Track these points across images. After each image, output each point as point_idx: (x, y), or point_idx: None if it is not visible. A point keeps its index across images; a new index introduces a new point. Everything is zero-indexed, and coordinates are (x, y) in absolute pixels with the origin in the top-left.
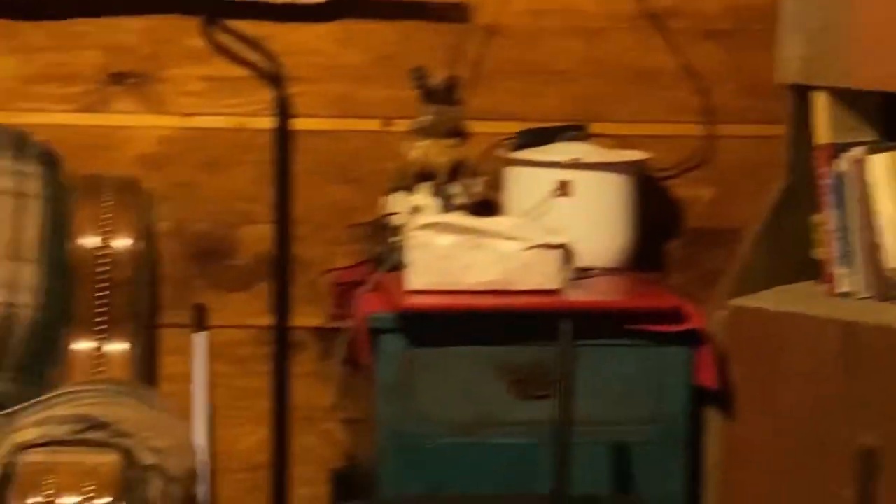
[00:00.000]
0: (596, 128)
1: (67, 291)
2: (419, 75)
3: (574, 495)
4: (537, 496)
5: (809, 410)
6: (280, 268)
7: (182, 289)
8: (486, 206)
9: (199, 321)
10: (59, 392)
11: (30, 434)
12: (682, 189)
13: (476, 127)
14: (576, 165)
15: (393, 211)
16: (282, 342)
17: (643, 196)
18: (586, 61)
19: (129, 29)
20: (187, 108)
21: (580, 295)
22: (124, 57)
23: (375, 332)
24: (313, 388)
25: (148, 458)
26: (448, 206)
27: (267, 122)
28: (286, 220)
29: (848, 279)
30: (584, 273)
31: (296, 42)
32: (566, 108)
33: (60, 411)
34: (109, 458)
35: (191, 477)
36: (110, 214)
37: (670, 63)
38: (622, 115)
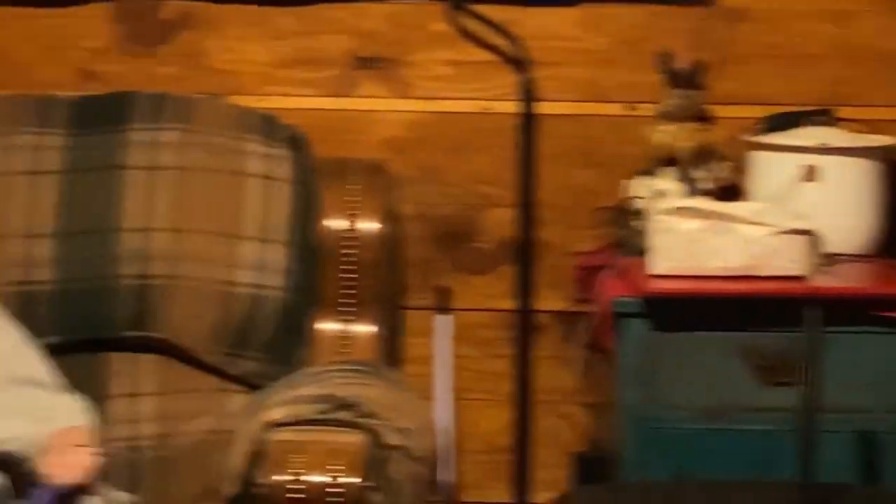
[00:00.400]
0: (844, 112)
1: (314, 273)
2: (665, 60)
3: (819, 484)
4: (782, 483)
5: None
6: (523, 251)
7: (426, 271)
8: (731, 191)
9: (443, 304)
10: (306, 372)
11: (278, 413)
12: None
13: (721, 111)
14: (823, 150)
15: (636, 195)
16: (524, 325)
17: (893, 182)
18: (835, 45)
19: (377, 14)
20: (432, 92)
21: (827, 281)
22: (371, 42)
23: (619, 317)
24: (555, 372)
25: (393, 439)
26: (692, 191)
27: (511, 107)
28: (530, 204)
29: None
30: (831, 259)
31: (540, 26)
32: (814, 93)
33: (308, 391)
34: (356, 438)
35: (434, 458)
36: (357, 197)
37: None
38: (872, 100)
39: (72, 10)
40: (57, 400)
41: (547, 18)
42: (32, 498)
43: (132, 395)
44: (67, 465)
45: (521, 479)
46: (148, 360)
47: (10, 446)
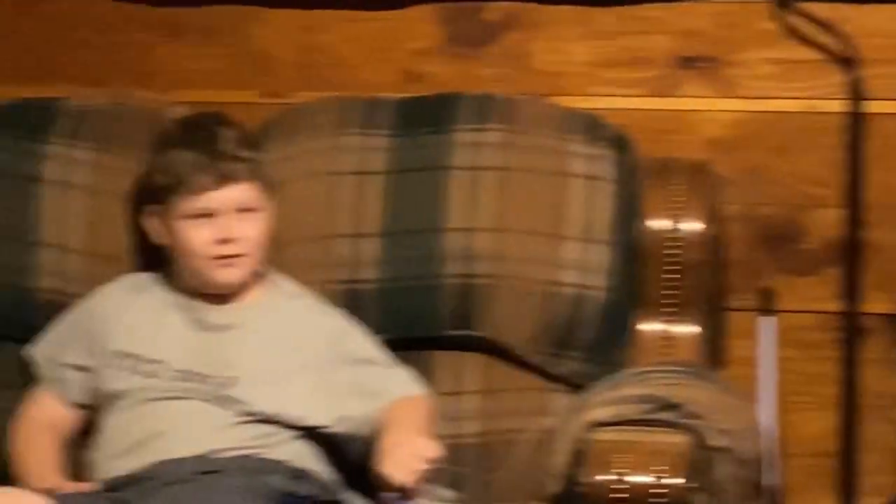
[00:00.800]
0: None
1: (637, 273)
2: None
3: None
4: None
5: None
6: (850, 252)
7: (749, 272)
8: None
9: (767, 305)
10: (629, 372)
11: (601, 413)
12: None
13: None
14: None
15: None
16: (851, 328)
17: None
18: None
19: (701, 13)
20: (757, 91)
21: None
22: (695, 41)
23: None
24: (883, 376)
25: (718, 441)
26: None
27: (838, 106)
28: (857, 205)
29: None
30: None
31: (870, 24)
32: None
33: (631, 391)
34: (680, 439)
35: (758, 461)
36: (680, 198)
37: None
38: None
39: (397, 12)
40: (391, 373)
41: (878, 16)
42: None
43: (455, 393)
44: (408, 467)
45: (847, 484)
46: (471, 359)
47: (345, 426)
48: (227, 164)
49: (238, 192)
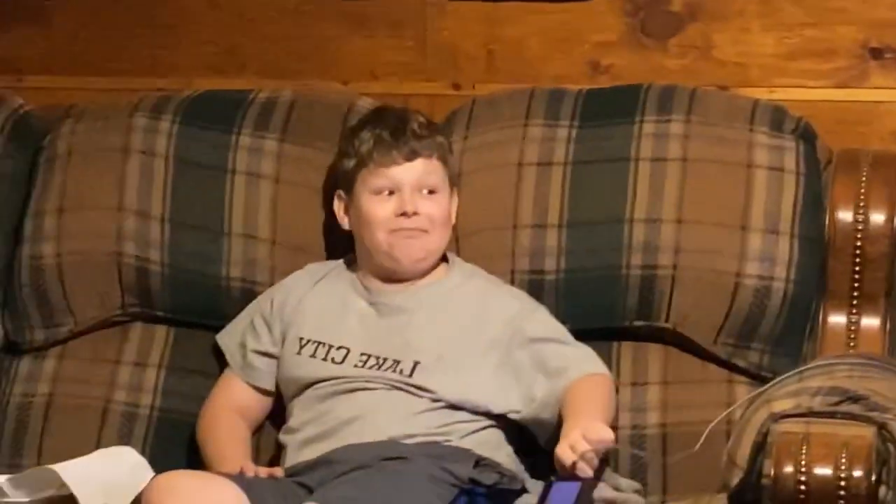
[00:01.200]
0: None
1: (822, 265)
2: None
3: None
4: None
5: None
6: None
7: None
8: None
9: None
10: (813, 364)
11: (785, 404)
12: None
13: None
14: None
15: None
16: None
17: None
18: None
19: (890, 4)
20: None
21: None
22: (883, 32)
23: None
24: None
25: None
26: None
27: None
28: None
29: None
30: None
31: None
32: None
33: (815, 383)
34: (864, 432)
35: None
36: (867, 189)
37: None
38: None
39: (582, 4)
40: (572, 350)
41: None
42: (551, 491)
43: (638, 383)
44: (582, 451)
45: None
46: (653, 350)
47: (530, 409)
48: (415, 141)
49: (423, 169)
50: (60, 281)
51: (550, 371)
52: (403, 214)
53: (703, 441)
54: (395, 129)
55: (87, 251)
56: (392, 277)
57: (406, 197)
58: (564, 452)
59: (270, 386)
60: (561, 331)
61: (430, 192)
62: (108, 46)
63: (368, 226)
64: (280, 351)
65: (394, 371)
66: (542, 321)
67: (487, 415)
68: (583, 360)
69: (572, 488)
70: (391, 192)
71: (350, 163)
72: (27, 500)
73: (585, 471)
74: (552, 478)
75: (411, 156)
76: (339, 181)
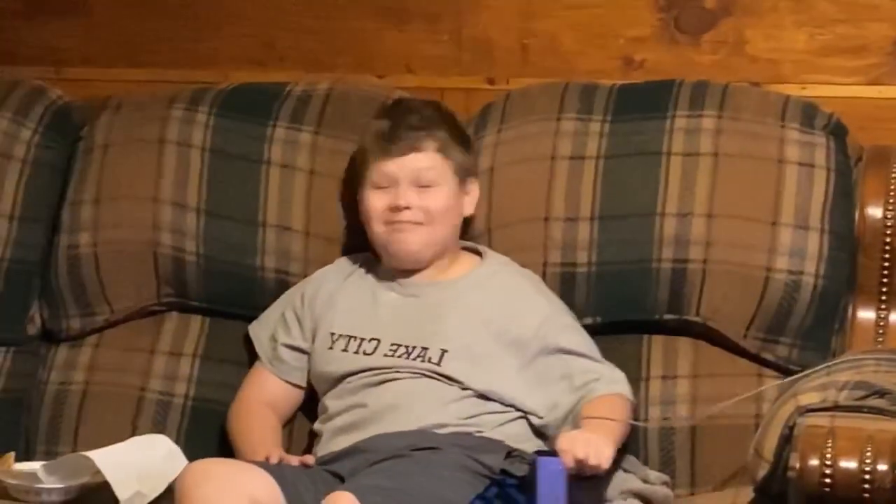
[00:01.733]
0: None
1: (852, 261)
2: None
3: None
4: None
5: None
6: None
7: None
8: None
9: None
10: (841, 359)
11: (812, 398)
12: None
13: None
14: None
15: None
16: None
17: None
18: None
19: None
20: None
21: None
22: None
23: None
24: None
25: None
26: None
27: None
28: None
29: None
30: None
31: None
32: None
33: (842, 377)
34: (890, 426)
35: None
36: None
37: None
38: None
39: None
40: (600, 368)
41: None
42: (539, 464)
43: (668, 377)
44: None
45: None
46: (683, 344)
47: (553, 416)
48: (411, 136)
49: (418, 163)
50: (97, 270)
51: (577, 384)
52: (396, 208)
53: (726, 434)
54: (393, 124)
55: (123, 241)
56: (406, 269)
57: (400, 191)
58: (562, 441)
59: (299, 380)
60: (590, 345)
61: (427, 185)
62: (147, 39)
63: (368, 219)
64: (311, 346)
65: (422, 359)
66: (573, 332)
67: (515, 408)
68: (610, 379)
69: (557, 464)
70: (390, 186)
71: (359, 157)
72: (62, 486)
73: (569, 462)
74: (534, 453)
75: (407, 150)
76: (356, 173)
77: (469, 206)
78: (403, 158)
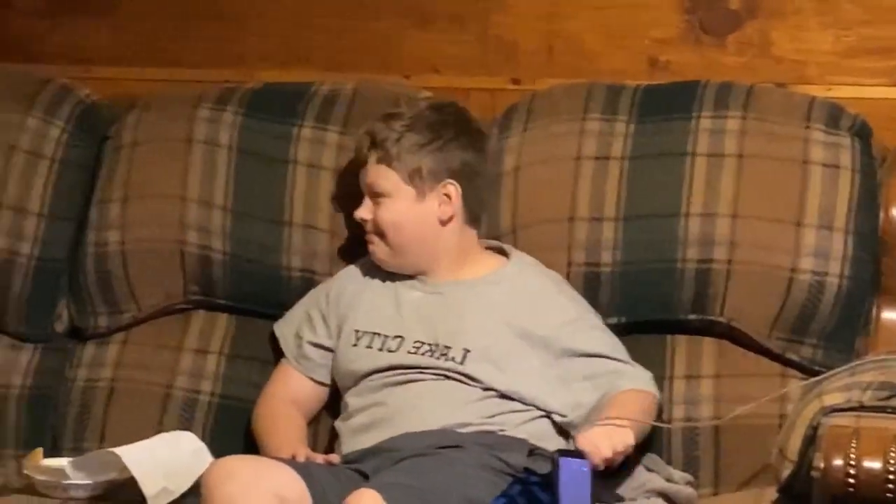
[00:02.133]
0: None
1: (876, 262)
2: None
3: None
4: None
5: None
6: None
7: None
8: None
9: None
10: (866, 360)
11: (836, 398)
12: None
13: None
14: None
15: None
16: None
17: None
18: None
19: None
20: None
21: None
22: None
23: None
24: None
25: None
26: None
27: None
28: None
29: None
30: None
31: None
32: None
33: (866, 378)
34: None
35: None
36: None
37: None
38: None
39: (642, 0)
40: (626, 368)
41: None
42: (561, 465)
43: (691, 377)
44: (597, 446)
45: None
46: (707, 344)
47: (577, 414)
48: (362, 145)
49: (366, 176)
50: (124, 268)
51: (601, 382)
52: (359, 219)
53: (750, 434)
54: (368, 133)
55: (150, 239)
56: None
57: (363, 204)
58: (581, 439)
59: (324, 378)
60: (616, 345)
61: (379, 196)
62: (174, 38)
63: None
64: (335, 344)
65: (445, 359)
66: (598, 334)
67: (537, 407)
68: (634, 376)
69: (581, 466)
70: (367, 194)
71: None
72: (89, 482)
73: (599, 464)
74: (556, 453)
75: (364, 161)
76: None
77: (445, 210)
78: (364, 170)
